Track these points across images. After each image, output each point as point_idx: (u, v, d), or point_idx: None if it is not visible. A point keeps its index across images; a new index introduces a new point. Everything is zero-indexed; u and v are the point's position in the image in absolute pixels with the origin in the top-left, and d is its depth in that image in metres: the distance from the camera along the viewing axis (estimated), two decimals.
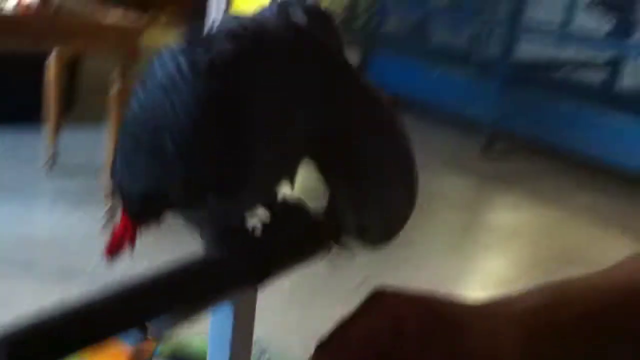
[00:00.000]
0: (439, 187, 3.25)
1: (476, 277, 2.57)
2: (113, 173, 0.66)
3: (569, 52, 4.39)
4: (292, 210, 0.61)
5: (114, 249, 0.67)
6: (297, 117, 0.56)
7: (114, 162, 0.66)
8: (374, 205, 0.59)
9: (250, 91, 0.55)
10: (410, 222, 0.60)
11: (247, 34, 0.57)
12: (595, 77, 4.70)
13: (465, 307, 0.48)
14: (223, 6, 0.82)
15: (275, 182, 0.61)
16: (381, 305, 0.47)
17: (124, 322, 0.48)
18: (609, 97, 4.36)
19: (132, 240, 0.67)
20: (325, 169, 0.58)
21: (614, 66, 4.66)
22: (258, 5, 0.62)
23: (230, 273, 0.58)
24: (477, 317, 0.48)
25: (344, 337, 0.46)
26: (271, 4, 0.60)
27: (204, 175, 0.57)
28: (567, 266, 2.61)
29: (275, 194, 0.63)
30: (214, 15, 0.82)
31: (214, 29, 0.58)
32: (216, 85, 0.55)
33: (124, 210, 0.66)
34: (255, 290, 0.66)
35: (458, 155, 3.95)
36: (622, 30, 4.25)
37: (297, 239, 0.61)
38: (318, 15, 0.58)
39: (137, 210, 0.64)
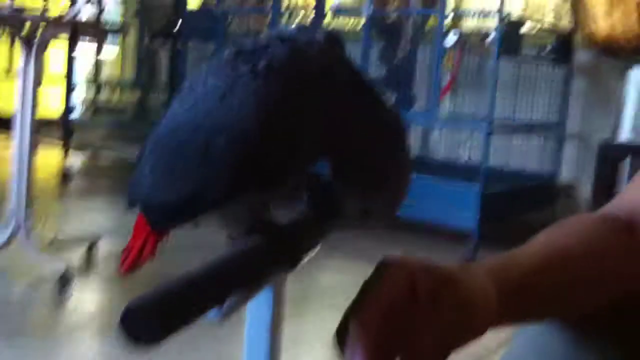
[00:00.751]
0: None
1: (323, 335, 2.66)
2: (136, 188, 0.67)
3: None
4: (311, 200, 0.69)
5: (133, 264, 0.69)
6: (325, 115, 0.62)
7: (137, 177, 0.67)
8: (379, 192, 0.66)
9: (302, 91, 0.60)
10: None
11: (295, 38, 0.63)
12: None
13: (452, 267, 0.58)
14: None
15: (303, 174, 0.67)
16: (395, 272, 0.55)
17: (213, 299, 0.55)
18: None
19: (153, 252, 0.69)
20: (336, 165, 0.65)
21: None
22: None
23: (273, 259, 0.64)
24: (464, 274, 0.58)
25: (373, 301, 0.53)
26: (289, 28, 0.67)
27: (255, 171, 0.60)
28: None
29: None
30: None
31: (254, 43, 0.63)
32: (275, 85, 0.59)
33: (149, 223, 0.67)
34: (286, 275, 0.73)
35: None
36: (404, 103, 4.71)
37: (318, 225, 0.69)
38: (334, 37, 0.66)
39: (168, 219, 0.66)
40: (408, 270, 0.55)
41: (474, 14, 4.38)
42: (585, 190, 4.14)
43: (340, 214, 0.68)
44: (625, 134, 3.28)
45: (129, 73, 6.67)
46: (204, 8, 5.68)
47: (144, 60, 6.40)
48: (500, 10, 3.75)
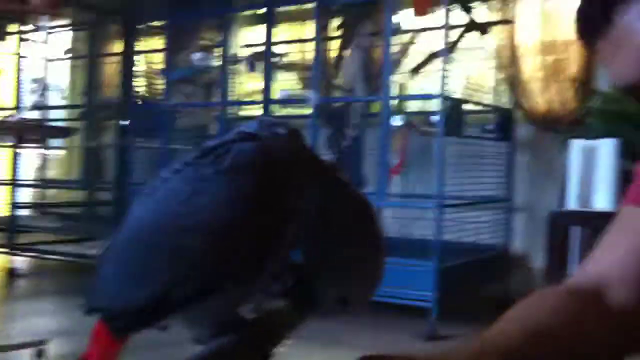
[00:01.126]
0: None
1: None
2: (97, 294, 0.65)
3: None
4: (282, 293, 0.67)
5: None
6: (296, 209, 0.61)
7: (98, 283, 0.65)
8: (356, 279, 0.66)
9: (270, 185, 0.60)
10: None
11: (258, 134, 0.63)
12: None
13: (433, 358, 0.58)
14: None
15: (278, 267, 0.65)
16: None
17: None
18: None
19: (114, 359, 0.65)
20: (311, 254, 0.64)
21: None
22: None
23: (247, 358, 0.62)
24: None
25: None
26: (251, 122, 0.67)
27: (227, 268, 0.59)
28: None
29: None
30: None
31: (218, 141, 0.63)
32: (242, 181, 0.59)
33: (111, 329, 0.64)
34: None
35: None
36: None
37: (293, 316, 0.67)
38: (295, 130, 0.67)
39: (133, 324, 0.63)
40: None
41: (417, 96, 4.51)
42: (537, 260, 4.20)
43: (317, 303, 0.67)
44: (571, 204, 3.37)
45: (76, 172, 6.61)
46: (150, 103, 5.71)
47: (90, 159, 6.36)
48: (442, 92, 3.88)
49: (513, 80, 4.48)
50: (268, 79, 4.81)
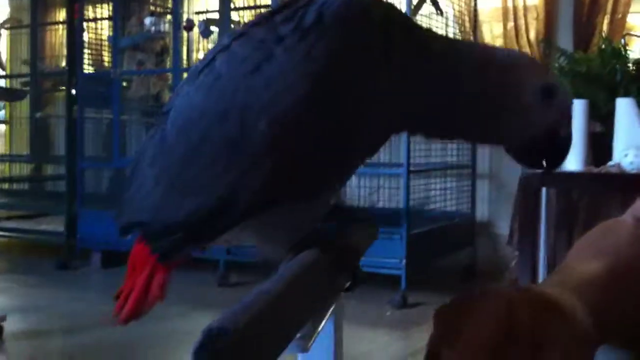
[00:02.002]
0: (183, 325, 3.16)
1: None
2: (133, 209, 0.52)
3: None
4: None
5: (136, 308, 0.52)
6: (402, 78, 0.49)
7: (133, 196, 0.51)
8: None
9: (367, 46, 0.47)
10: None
11: None
12: None
13: (548, 289, 0.52)
14: None
15: (361, 164, 0.53)
16: (489, 305, 0.47)
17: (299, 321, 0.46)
18: None
19: (162, 291, 0.52)
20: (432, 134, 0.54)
21: None
22: None
23: (342, 274, 0.54)
24: (561, 298, 0.51)
25: (468, 339, 0.45)
26: None
27: (311, 161, 0.46)
28: None
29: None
30: None
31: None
32: (331, 42, 0.45)
33: (156, 251, 0.51)
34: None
35: (197, 290, 3.92)
36: None
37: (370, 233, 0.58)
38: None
39: (186, 241, 0.50)
40: (503, 301, 0.47)
41: None
42: (501, 226, 4.21)
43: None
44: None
45: (20, 146, 6.33)
46: (98, 72, 5.48)
47: (38, 132, 6.10)
48: None
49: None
50: None
